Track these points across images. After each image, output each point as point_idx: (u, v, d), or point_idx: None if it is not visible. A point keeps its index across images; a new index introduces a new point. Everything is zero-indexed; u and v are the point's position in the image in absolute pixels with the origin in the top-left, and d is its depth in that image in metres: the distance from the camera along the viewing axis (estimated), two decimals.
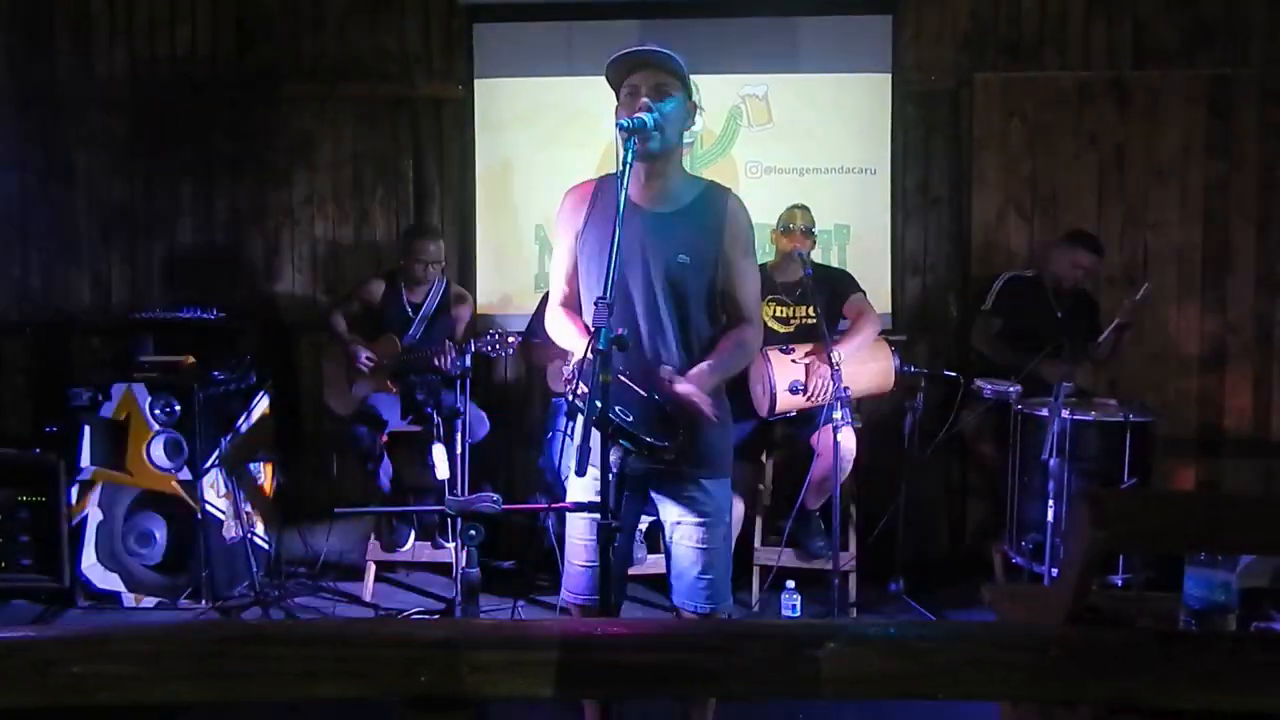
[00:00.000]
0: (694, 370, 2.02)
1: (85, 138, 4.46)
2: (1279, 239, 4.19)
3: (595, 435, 1.75)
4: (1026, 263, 4.14)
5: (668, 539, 2.13)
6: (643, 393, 1.90)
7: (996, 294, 3.94)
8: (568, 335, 2.12)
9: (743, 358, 2.16)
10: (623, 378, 1.86)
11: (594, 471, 1.84)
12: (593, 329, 1.75)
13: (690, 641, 1.28)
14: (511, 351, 3.55)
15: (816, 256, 4.04)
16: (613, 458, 1.81)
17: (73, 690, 1.24)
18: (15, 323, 4.50)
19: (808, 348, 3.35)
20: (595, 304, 1.77)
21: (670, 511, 2.11)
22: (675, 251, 2.05)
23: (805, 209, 3.66)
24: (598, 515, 1.75)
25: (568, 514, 2.14)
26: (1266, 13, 4.14)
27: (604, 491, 1.74)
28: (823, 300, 3.43)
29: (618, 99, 2.08)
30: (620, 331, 1.76)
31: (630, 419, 1.84)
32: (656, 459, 1.91)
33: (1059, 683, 1.23)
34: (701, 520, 2.09)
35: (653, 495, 2.14)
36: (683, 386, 1.95)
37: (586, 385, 1.75)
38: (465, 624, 1.35)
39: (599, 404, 1.71)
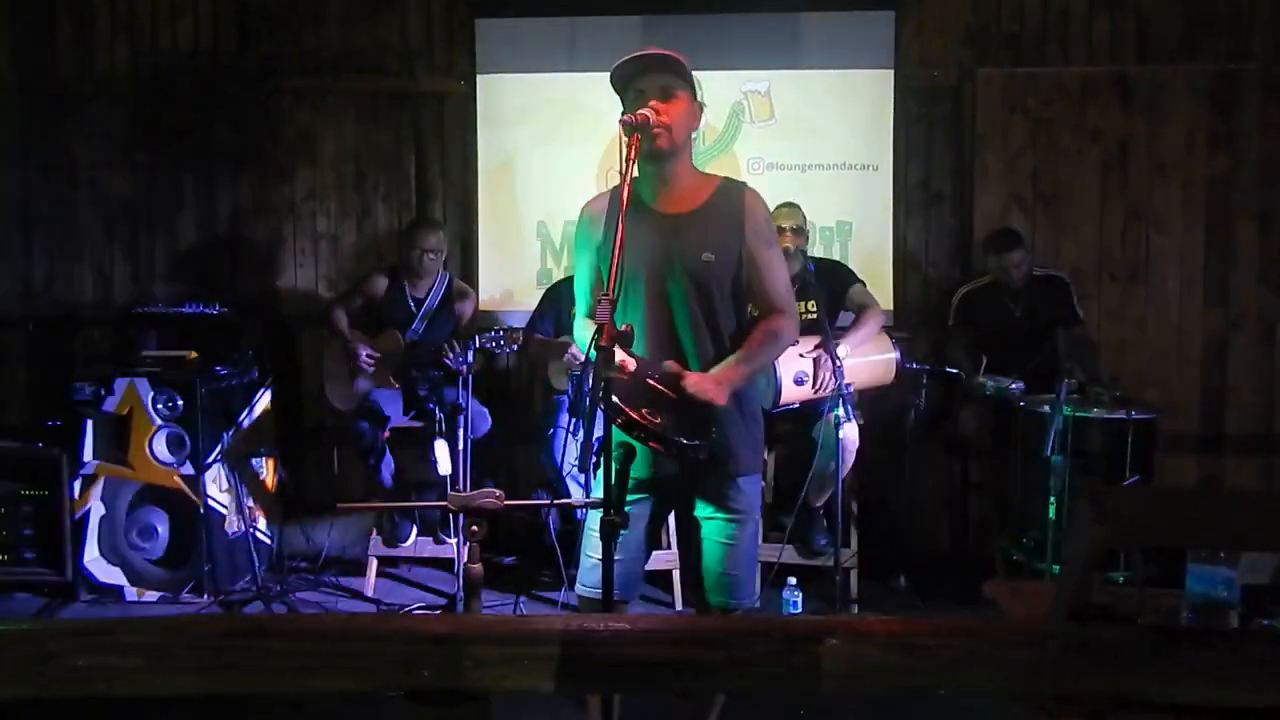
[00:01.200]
0: (724, 364, 2.02)
1: (87, 131, 4.46)
2: None
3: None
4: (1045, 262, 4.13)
5: (697, 535, 2.13)
6: (672, 395, 1.89)
7: (955, 311, 3.97)
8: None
9: (776, 348, 2.17)
10: (651, 381, 1.85)
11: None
12: (595, 325, 1.75)
13: (691, 636, 1.28)
14: (515, 348, 3.55)
15: (818, 252, 4.05)
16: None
17: (76, 682, 1.25)
18: (17, 316, 4.51)
19: (814, 340, 3.35)
20: (599, 300, 1.76)
21: (702, 508, 2.11)
22: (699, 251, 2.05)
23: (793, 207, 3.64)
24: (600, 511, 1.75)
25: (589, 509, 2.14)
26: (1269, 7, 4.13)
27: (606, 486, 1.74)
28: (824, 294, 3.43)
29: (623, 104, 2.09)
30: (624, 327, 1.75)
31: (659, 421, 1.83)
32: (690, 459, 1.90)
33: (1060, 678, 1.24)
34: (733, 517, 2.09)
35: (681, 492, 2.12)
36: (690, 381, 1.94)
37: (591, 381, 1.75)
38: (467, 619, 1.36)
39: (602, 400, 1.71)
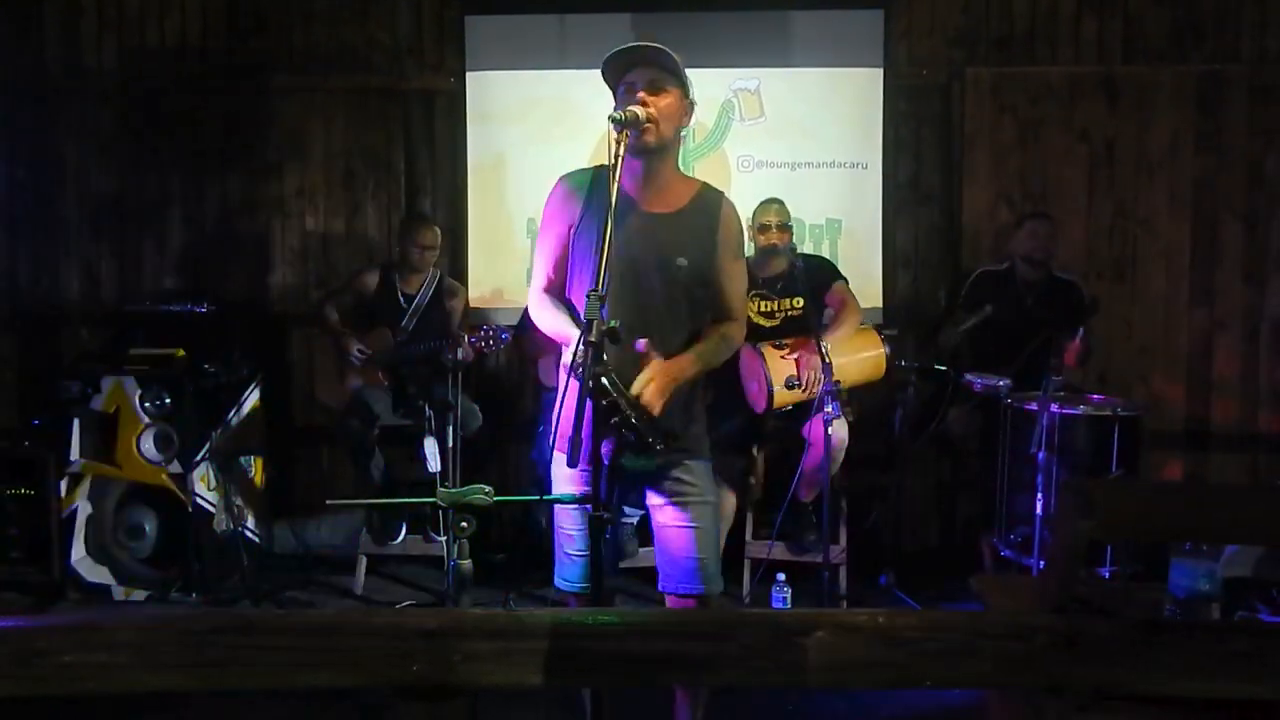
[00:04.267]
0: (677, 358, 2.03)
1: (74, 129, 4.43)
2: (1266, 234, 4.22)
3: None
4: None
5: (655, 524, 2.15)
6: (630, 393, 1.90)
7: (969, 288, 3.97)
8: (555, 321, 2.12)
9: (725, 351, 2.19)
10: (614, 376, 1.87)
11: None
12: (584, 321, 1.75)
13: (679, 630, 1.28)
14: (503, 346, 3.56)
15: (806, 249, 4.06)
16: (604, 449, 1.82)
17: (64, 679, 1.24)
18: (4, 315, 4.48)
19: (791, 341, 3.36)
20: (588, 296, 1.77)
21: (655, 496, 2.12)
22: (674, 254, 2.07)
23: (777, 204, 3.65)
24: (588, 506, 1.76)
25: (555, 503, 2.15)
26: (1256, 9, 4.16)
27: (594, 483, 1.75)
28: (808, 290, 3.44)
29: (615, 97, 2.09)
30: (613, 323, 1.76)
31: (635, 418, 1.85)
32: (647, 452, 1.91)
33: (1045, 670, 1.25)
34: (687, 500, 2.10)
35: (640, 484, 2.15)
36: (647, 375, 1.94)
37: (579, 378, 1.76)
38: (456, 614, 1.36)
39: (591, 391, 1.72)
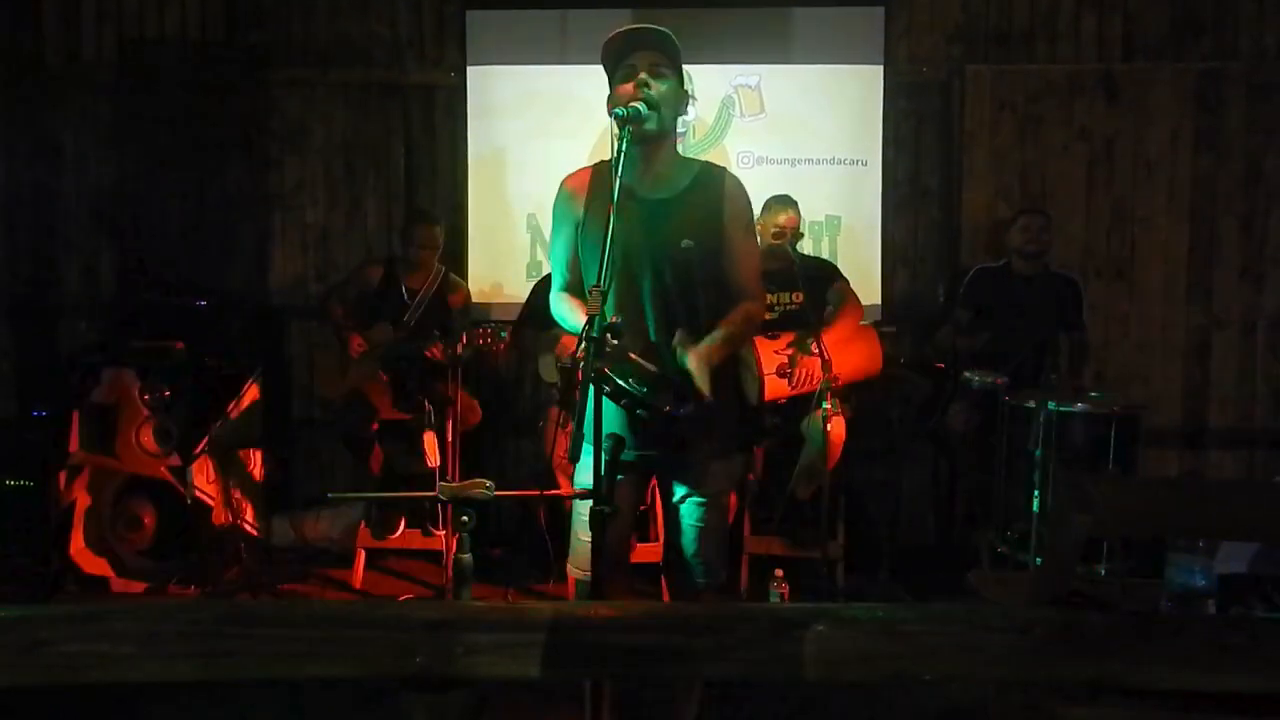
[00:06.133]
0: (706, 341, 2.01)
1: (73, 120, 4.43)
2: (1264, 232, 4.23)
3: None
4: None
5: (667, 512, 2.17)
6: (653, 369, 1.90)
7: (966, 286, 3.98)
8: (578, 319, 2.12)
9: (750, 331, 2.19)
10: (633, 355, 1.87)
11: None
12: (586, 317, 1.76)
13: (678, 623, 1.29)
14: (500, 345, 3.56)
15: (806, 247, 4.07)
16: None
17: (67, 669, 1.25)
18: (3, 306, 4.47)
19: (791, 336, 3.37)
20: (589, 292, 1.77)
21: (675, 489, 2.14)
22: (679, 236, 2.06)
23: (785, 203, 3.65)
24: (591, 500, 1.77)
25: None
26: (1254, 6, 4.17)
27: (597, 476, 1.76)
28: (808, 289, 3.44)
29: (610, 79, 2.09)
30: (614, 319, 1.77)
31: (644, 390, 1.85)
32: (670, 428, 1.92)
33: (1042, 664, 1.25)
34: (704, 499, 2.12)
35: (658, 474, 2.17)
36: (692, 360, 1.93)
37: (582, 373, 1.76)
38: (459, 606, 1.37)
39: (592, 390, 1.73)
